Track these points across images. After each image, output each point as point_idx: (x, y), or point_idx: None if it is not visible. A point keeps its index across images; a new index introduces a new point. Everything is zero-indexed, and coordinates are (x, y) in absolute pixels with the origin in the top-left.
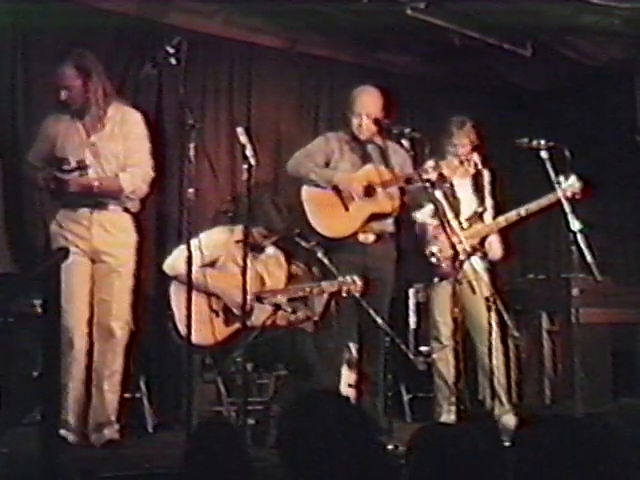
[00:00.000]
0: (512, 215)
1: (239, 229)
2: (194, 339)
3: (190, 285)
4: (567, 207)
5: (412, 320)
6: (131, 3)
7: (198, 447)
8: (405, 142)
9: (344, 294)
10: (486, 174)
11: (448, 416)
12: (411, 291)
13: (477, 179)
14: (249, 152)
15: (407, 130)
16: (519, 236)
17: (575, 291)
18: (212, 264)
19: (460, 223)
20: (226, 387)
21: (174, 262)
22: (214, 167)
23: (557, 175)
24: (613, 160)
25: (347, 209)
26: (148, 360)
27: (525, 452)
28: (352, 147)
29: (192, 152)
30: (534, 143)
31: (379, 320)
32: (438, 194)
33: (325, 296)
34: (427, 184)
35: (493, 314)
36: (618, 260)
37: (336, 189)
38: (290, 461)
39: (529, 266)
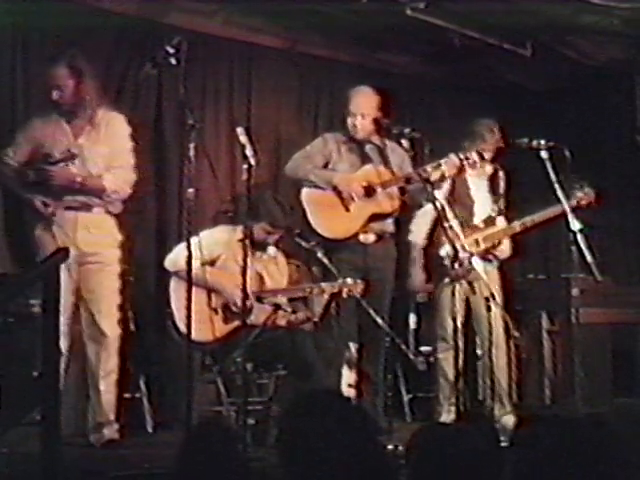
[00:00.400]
0: (527, 221)
1: (241, 228)
2: (193, 336)
3: (190, 283)
4: (567, 207)
5: (412, 320)
6: (131, 3)
7: (194, 448)
8: (405, 142)
9: (345, 295)
10: (502, 176)
11: (448, 416)
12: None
13: (493, 180)
14: (249, 152)
15: (407, 130)
16: (519, 236)
17: (575, 291)
18: (213, 262)
19: (473, 224)
20: (226, 387)
21: (176, 257)
22: (214, 167)
23: (562, 179)
24: (613, 160)
25: (347, 210)
26: (148, 360)
27: (525, 452)
28: (350, 148)
29: (192, 152)
30: (534, 143)
31: (379, 320)
32: (438, 194)
33: (325, 296)
34: (427, 184)
35: (493, 314)
36: (618, 260)
37: (336, 190)
38: (290, 461)
39: (529, 266)
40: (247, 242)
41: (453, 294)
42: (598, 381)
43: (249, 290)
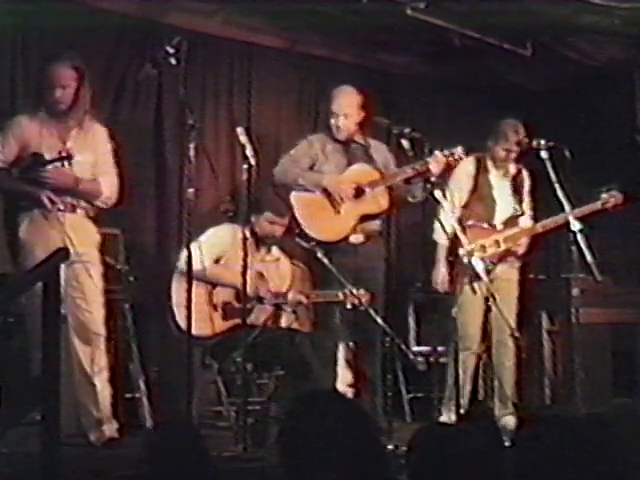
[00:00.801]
0: (549, 223)
1: (244, 227)
2: (193, 331)
3: (190, 283)
4: (567, 207)
5: (412, 320)
6: (131, 3)
7: (158, 451)
8: (405, 142)
9: (349, 306)
10: (526, 176)
11: (448, 416)
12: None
13: (516, 181)
14: (249, 152)
15: (407, 130)
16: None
17: (575, 291)
18: (217, 261)
19: (494, 225)
20: (226, 387)
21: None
22: (214, 167)
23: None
24: (613, 160)
25: (338, 212)
26: (148, 359)
27: (525, 452)
28: (335, 148)
29: (192, 152)
30: (534, 143)
31: (379, 320)
32: (438, 193)
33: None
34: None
35: (493, 314)
36: (618, 260)
37: (325, 192)
38: (290, 461)
39: (529, 266)
40: (250, 240)
41: (474, 293)
42: (598, 381)
43: (249, 290)
